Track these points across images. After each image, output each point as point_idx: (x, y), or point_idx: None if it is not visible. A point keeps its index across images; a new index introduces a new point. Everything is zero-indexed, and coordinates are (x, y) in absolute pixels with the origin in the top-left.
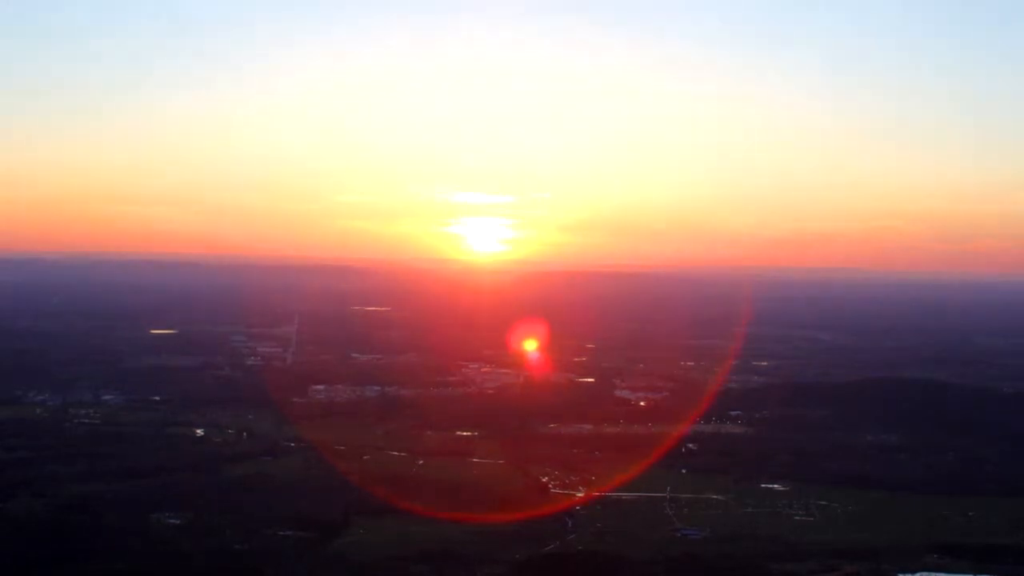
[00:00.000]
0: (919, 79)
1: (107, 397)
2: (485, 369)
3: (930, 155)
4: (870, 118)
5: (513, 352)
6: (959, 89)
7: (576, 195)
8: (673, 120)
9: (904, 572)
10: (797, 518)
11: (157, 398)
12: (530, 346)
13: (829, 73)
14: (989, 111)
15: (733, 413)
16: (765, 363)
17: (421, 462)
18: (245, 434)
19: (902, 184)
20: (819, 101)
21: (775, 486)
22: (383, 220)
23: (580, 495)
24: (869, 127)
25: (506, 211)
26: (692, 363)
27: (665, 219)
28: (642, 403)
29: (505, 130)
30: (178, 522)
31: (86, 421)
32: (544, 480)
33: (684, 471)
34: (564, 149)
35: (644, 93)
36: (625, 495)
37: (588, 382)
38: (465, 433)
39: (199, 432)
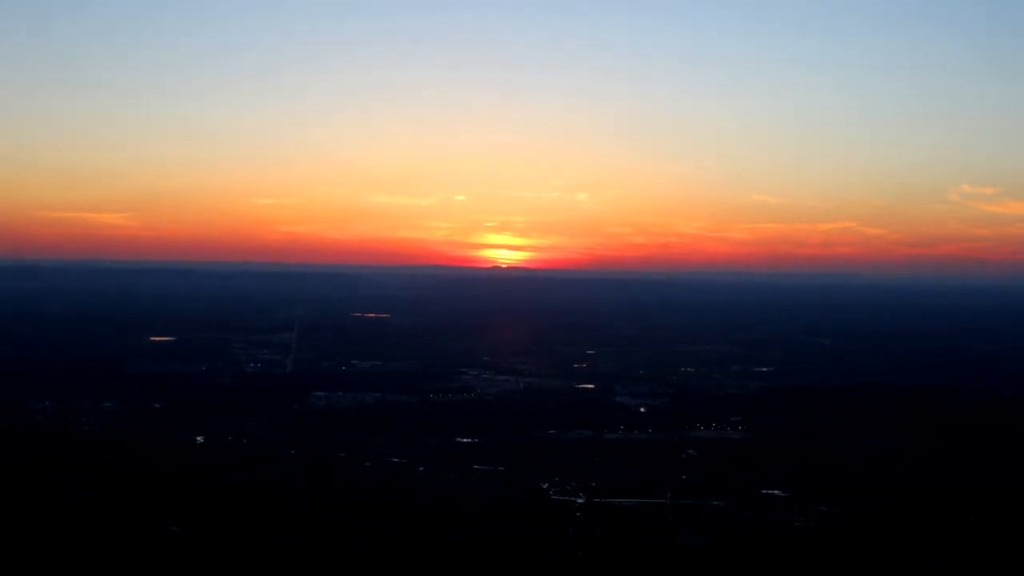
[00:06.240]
0: (878, 79)
1: (107, 404)
2: (485, 375)
3: (887, 155)
4: (822, 117)
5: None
6: (918, 89)
7: (492, 197)
8: (608, 119)
9: None
10: (798, 524)
11: (157, 405)
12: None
13: (778, 71)
14: (947, 111)
15: (733, 419)
16: (765, 368)
17: (421, 469)
18: (245, 441)
19: (859, 185)
20: (767, 100)
21: (776, 492)
22: (319, 225)
23: (580, 502)
24: (821, 128)
25: (434, 213)
26: (692, 368)
27: (603, 221)
28: (642, 409)
29: (420, 132)
30: (178, 529)
31: (86, 428)
32: (544, 487)
33: (684, 477)
34: (478, 151)
35: (560, 96)
36: (625, 501)
37: (588, 388)
38: (465, 440)
39: (199, 439)
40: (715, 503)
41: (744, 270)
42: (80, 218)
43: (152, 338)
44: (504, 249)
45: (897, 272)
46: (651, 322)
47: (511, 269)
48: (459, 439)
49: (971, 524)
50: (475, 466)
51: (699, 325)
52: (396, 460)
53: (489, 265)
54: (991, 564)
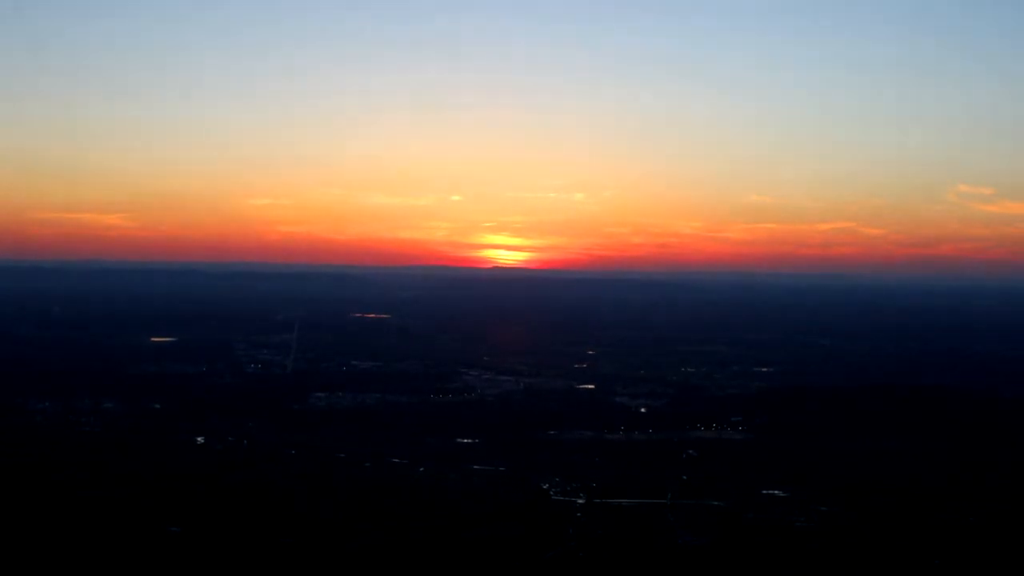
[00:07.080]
0: (878, 79)
1: (108, 405)
2: (485, 376)
3: (886, 155)
4: (822, 117)
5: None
6: (917, 89)
7: (488, 197)
8: (606, 120)
9: None
10: (798, 524)
11: (158, 406)
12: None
13: (777, 71)
14: (946, 111)
15: (734, 419)
16: (765, 368)
17: (422, 469)
18: (245, 441)
19: (859, 185)
20: (766, 100)
21: (776, 492)
22: (321, 224)
23: (580, 502)
24: (820, 128)
25: (431, 213)
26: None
27: (601, 221)
28: (642, 409)
29: (416, 133)
30: (178, 530)
31: (87, 429)
32: (544, 487)
33: (684, 477)
34: (473, 151)
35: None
36: (626, 502)
37: (588, 388)
38: (465, 440)
39: (200, 440)
40: (715, 503)
41: (744, 270)
42: (80, 218)
43: (153, 338)
44: (503, 249)
45: (897, 272)
46: (651, 322)
47: (511, 269)
48: (459, 439)
49: (971, 524)
50: (475, 466)
51: (699, 325)
52: (396, 460)
53: (489, 265)
54: (991, 564)
